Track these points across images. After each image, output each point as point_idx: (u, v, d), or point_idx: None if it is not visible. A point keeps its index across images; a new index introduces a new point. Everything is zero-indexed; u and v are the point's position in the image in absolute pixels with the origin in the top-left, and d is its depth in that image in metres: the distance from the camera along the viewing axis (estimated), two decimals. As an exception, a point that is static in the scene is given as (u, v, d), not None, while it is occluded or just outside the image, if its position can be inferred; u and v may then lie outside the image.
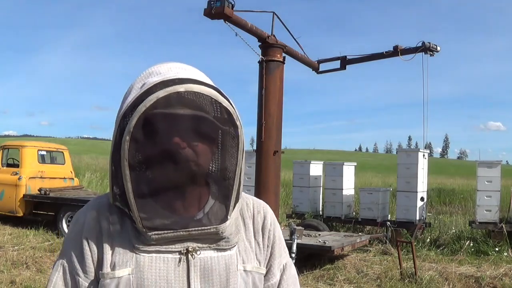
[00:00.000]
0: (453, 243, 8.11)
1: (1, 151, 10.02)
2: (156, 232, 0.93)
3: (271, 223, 1.11)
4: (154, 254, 0.96)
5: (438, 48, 7.63)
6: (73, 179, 10.88)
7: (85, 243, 0.99)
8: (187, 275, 0.96)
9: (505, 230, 7.89)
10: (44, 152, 10.37)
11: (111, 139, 0.96)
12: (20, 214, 9.49)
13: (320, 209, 10.28)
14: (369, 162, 65.66)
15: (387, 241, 8.00)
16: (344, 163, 9.90)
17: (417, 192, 8.63)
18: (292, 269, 1.14)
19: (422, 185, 8.83)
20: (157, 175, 0.94)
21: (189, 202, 0.99)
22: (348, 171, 9.93)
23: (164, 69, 1.01)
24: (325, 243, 6.48)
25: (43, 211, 9.76)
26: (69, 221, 8.83)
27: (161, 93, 0.90)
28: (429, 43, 7.53)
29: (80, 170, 16.14)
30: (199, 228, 0.96)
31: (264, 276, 1.08)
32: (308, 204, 9.95)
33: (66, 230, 8.76)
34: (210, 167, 0.99)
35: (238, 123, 0.97)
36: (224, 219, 0.98)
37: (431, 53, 7.62)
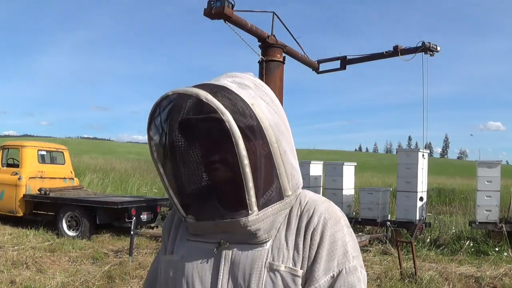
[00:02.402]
0: (453, 243, 8.12)
1: (1, 151, 10.03)
2: (189, 217, 1.05)
3: (318, 223, 1.01)
4: (196, 244, 1.07)
5: (438, 48, 7.64)
6: (73, 179, 10.89)
7: (163, 231, 1.19)
8: (217, 267, 1.02)
9: (505, 230, 7.90)
10: (44, 152, 10.38)
11: None
12: (20, 214, 9.50)
13: (320, 209, 10.26)
14: (369, 162, 65.62)
15: (387, 241, 8.01)
16: (344, 163, 9.90)
17: (417, 192, 8.62)
18: (350, 277, 0.99)
19: (422, 185, 8.83)
20: (174, 172, 1.06)
21: (217, 197, 1.05)
22: (348, 171, 9.93)
23: (215, 78, 1.04)
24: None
25: (43, 211, 9.75)
26: (69, 221, 8.81)
27: (157, 100, 0.99)
28: (429, 43, 7.55)
29: (80, 170, 16.13)
30: (222, 220, 0.99)
31: (307, 280, 1.00)
32: (308, 204, 9.94)
33: (66, 230, 8.76)
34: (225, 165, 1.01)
35: (220, 115, 0.91)
36: (245, 212, 0.96)
37: (431, 53, 7.64)
